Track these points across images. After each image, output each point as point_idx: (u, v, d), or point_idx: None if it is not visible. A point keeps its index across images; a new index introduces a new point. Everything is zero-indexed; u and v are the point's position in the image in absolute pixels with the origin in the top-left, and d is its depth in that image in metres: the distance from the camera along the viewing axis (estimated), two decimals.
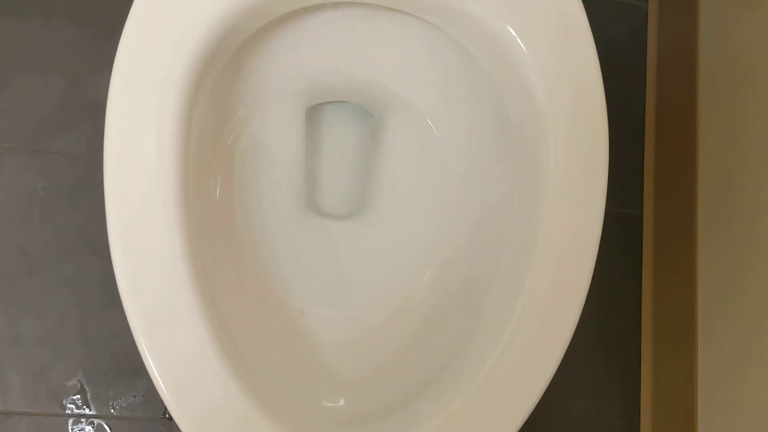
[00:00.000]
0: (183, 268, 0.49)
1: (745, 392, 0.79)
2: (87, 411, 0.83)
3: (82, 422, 0.83)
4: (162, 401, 0.73)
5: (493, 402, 0.51)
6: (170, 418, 0.84)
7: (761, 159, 0.80)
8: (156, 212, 0.50)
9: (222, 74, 0.58)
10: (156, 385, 0.49)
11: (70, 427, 0.82)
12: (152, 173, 0.50)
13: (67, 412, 0.83)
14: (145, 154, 0.50)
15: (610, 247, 0.98)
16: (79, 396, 0.83)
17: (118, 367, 0.84)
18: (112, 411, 0.83)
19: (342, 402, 0.56)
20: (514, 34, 0.52)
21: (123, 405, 0.84)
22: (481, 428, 0.50)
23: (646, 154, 1.02)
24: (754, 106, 0.82)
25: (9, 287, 0.83)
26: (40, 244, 0.84)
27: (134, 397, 0.84)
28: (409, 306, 0.63)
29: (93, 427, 0.83)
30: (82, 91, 0.86)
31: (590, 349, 0.97)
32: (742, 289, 0.81)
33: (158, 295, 0.49)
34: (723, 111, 0.88)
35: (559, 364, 0.54)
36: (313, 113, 0.71)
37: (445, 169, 0.67)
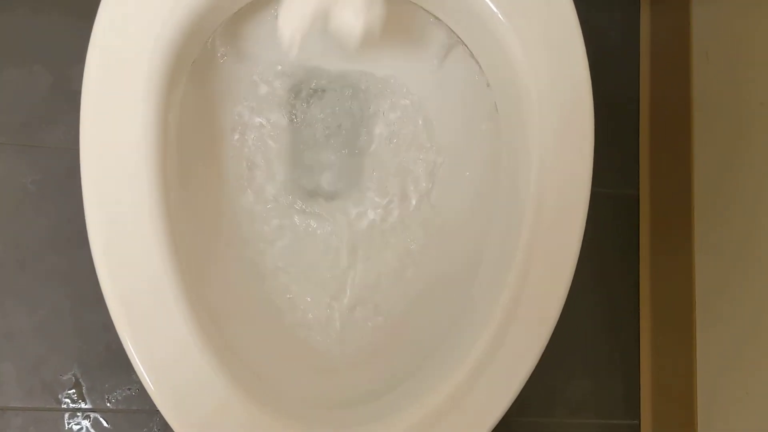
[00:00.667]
0: (165, 255, 0.49)
1: (743, 369, 0.78)
2: (83, 405, 0.83)
3: (78, 416, 0.82)
4: None
5: (479, 391, 0.50)
6: None
7: (756, 135, 0.79)
8: (137, 205, 0.49)
9: (202, 60, 0.57)
10: (134, 364, 0.48)
11: (66, 422, 0.82)
12: (131, 165, 0.49)
13: (62, 406, 0.82)
14: (122, 146, 0.50)
15: (608, 229, 0.98)
16: (74, 390, 0.83)
17: (113, 359, 0.83)
18: (108, 404, 0.83)
19: (329, 386, 0.56)
20: (495, 10, 0.52)
21: (118, 398, 0.83)
22: (465, 416, 0.50)
23: (641, 134, 1.01)
24: (749, 80, 0.81)
25: (2, 280, 0.83)
26: (32, 237, 0.84)
27: (129, 390, 0.84)
28: (398, 289, 0.62)
29: (89, 421, 0.83)
30: (69, 82, 0.86)
31: (590, 330, 0.96)
32: (739, 267, 0.80)
33: (140, 284, 0.49)
34: (717, 86, 0.87)
35: (541, 353, 0.53)
36: (301, 99, 0.70)
37: (434, 151, 0.66)
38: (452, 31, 0.58)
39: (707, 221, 0.86)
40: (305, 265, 0.63)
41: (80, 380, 0.83)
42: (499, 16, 0.52)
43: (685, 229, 0.89)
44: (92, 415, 0.83)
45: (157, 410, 0.81)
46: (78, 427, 0.82)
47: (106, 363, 0.83)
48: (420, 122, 0.66)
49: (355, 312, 0.61)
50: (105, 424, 0.83)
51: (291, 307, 0.61)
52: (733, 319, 0.80)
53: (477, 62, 0.58)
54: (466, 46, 0.58)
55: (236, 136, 0.65)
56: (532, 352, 0.51)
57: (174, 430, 0.50)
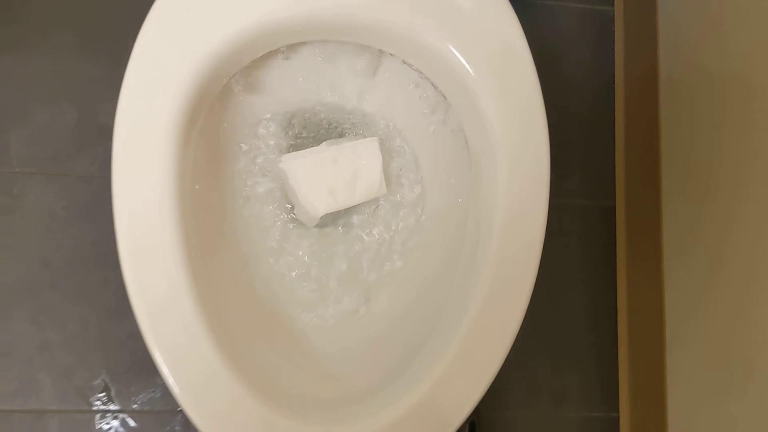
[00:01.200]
0: (182, 270, 0.58)
1: (703, 350, 0.86)
2: (112, 407, 0.92)
3: (107, 417, 0.92)
4: None
5: (460, 376, 0.59)
6: None
7: (713, 149, 0.87)
8: (158, 226, 0.58)
9: (218, 99, 0.66)
10: (157, 365, 0.57)
11: (96, 422, 0.91)
12: (152, 200, 0.58)
13: (93, 408, 0.91)
14: (148, 176, 0.58)
15: (589, 237, 1.07)
16: (104, 393, 0.92)
17: (138, 365, 0.92)
18: (134, 406, 0.92)
19: (324, 386, 0.64)
20: (460, 57, 0.61)
21: (144, 400, 0.92)
22: (450, 397, 0.58)
23: (617, 152, 1.09)
24: (703, 100, 0.90)
25: (35, 298, 0.92)
26: (61, 257, 0.93)
27: (153, 392, 0.92)
28: (387, 296, 0.71)
29: (118, 421, 0.92)
30: (94, 117, 0.95)
31: (573, 330, 1.04)
32: (704, 271, 0.88)
33: (160, 294, 0.57)
34: (679, 104, 0.95)
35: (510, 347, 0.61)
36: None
37: (416, 179, 0.75)
38: (430, 79, 0.67)
39: (675, 229, 0.94)
40: (303, 277, 0.71)
41: (109, 385, 0.92)
42: (467, 68, 0.61)
43: (655, 236, 0.98)
44: (120, 415, 0.92)
45: (178, 410, 0.91)
46: (108, 426, 0.91)
47: (132, 369, 0.92)
48: (406, 156, 0.75)
49: (349, 316, 0.70)
50: (132, 423, 0.92)
51: (291, 314, 0.70)
52: (698, 315, 0.89)
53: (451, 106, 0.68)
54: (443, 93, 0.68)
55: (243, 160, 0.74)
56: (500, 348, 0.59)
57: (194, 424, 0.58)
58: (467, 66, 0.60)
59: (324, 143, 0.72)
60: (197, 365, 0.57)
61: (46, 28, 0.96)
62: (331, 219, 0.76)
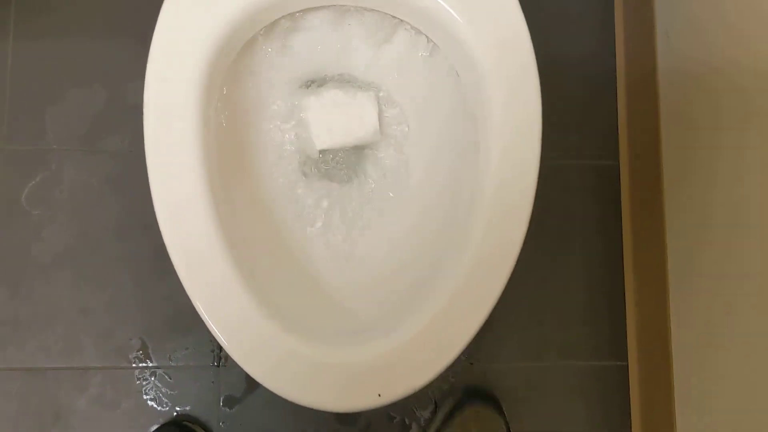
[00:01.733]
0: (211, 221, 0.64)
1: (701, 292, 0.91)
2: (149, 363, 0.99)
3: (146, 372, 0.99)
4: (209, 352, 0.90)
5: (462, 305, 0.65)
6: (217, 366, 1.00)
7: (711, 109, 0.92)
8: (190, 185, 0.64)
9: (232, 69, 0.73)
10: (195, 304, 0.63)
11: (136, 377, 0.99)
12: (181, 154, 0.64)
13: (132, 365, 0.99)
14: (175, 139, 0.64)
15: (594, 195, 1.11)
16: (141, 351, 0.99)
17: (172, 324, 1.00)
18: (170, 362, 0.99)
19: (343, 318, 0.71)
20: (449, 9, 0.67)
21: (178, 356, 0.99)
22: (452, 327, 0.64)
23: (619, 111, 1.14)
24: (703, 55, 0.94)
25: (76, 266, 0.99)
26: (98, 227, 1.00)
27: (186, 349, 1.00)
28: (396, 238, 0.77)
29: (155, 377, 0.99)
30: (123, 97, 1.02)
31: (581, 284, 1.09)
32: (704, 223, 0.92)
33: (194, 244, 0.64)
34: (677, 61, 1.00)
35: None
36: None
37: (420, 136, 0.81)
38: (425, 35, 0.73)
39: (675, 186, 0.99)
40: (319, 224, 0.78)
41: (146, 343, 0.99)
42: (458, 18, 0.67)
43: (657, 193, 1.02)
44: (157, 371, 0.99)
45: (210, 365, 0.98)
46: (146, 382, 0.99)
47: (167, 328, 0.99)
48: (408, 115, 0.81)
49: (360, 256, 0.76)
50: (168, 378, 0.99)
51: (311, 256, 0.76)
52: (700, 269, 0.93)
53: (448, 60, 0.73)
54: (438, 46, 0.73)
55: (261, 124, 0.80)
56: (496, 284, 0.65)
57: (233, 358, 0.65)
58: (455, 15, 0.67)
59: (328, 86, 0.78)
60: (233, 310, 0.63)
61: (77, 14, 1.03)
62: (345, 172, 0.82)
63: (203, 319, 0.63)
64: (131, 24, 1.03)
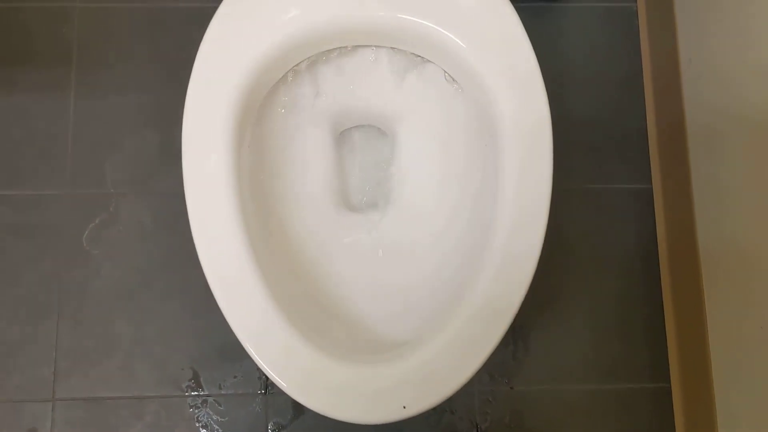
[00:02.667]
0: (246, 257, 0.70)
1: (751, 322, 0.91)
2: (201, 392, 1.04)
3: (197, 400, 1.04)
4: (256, 380, 0.94)
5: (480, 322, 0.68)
6: (265, 394, 1.04)
7: (736, 123, 0.93)
8: (225, 224, 0.70)
9: (260, 113, 0.79)
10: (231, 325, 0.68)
11: (188, 405, 1.04)
12: (216, 190, 0.71)
13: (185, 393, 1.04)
14: (210, 178, 0.71)
15: (628, 219, 1.13)
16: (193, 380, 1.05)
17: (221, 353, 1.05)
18: (220, 390, 1.04)
19: (367, 336, 0.75)
20: (464, 45, 0.71)
21: (228, 384, 1.05)
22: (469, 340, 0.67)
23: (649, 133, 1.16)
24: (724, 81, 0.96)
25: (132, 299, 1.06)
26: (152, 264, 1.07)
27: (235, 377, 1.05)
28: (422, 266, 0.81)
29: (206, 405, 1.04)
30: (172, 141, 1.10)
31: (619, 308, 1.10)
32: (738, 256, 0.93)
33: (232, 276, 0.69)
34: (700, 85, 1.02)
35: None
36: (342, 135, 0.91)
37: (447, 162, 0.85)
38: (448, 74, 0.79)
39: (706, 207, 1.00)
40: (351, 253, 0.83)
41: (197, 372, 1.05)
42: (473, 60, 0.72)
43: (689, 215, 1.03)
44: (208, 399, 1.04)
45: (258, 392, 1.02)
46: (198, 409, 1.04)
47: (217, 357, 1.05)
48: (435, 143, 0.86)
49: (389, 283, 0.81)
50: (218, 406, 1.04)
51: (336, 282, 0.81)
52: (735, 286, 0.94)
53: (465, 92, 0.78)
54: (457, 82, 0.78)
55: (290, 163, 0.86)
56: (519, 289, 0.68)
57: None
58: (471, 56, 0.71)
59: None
60: (274, 340, 0.68)
61: (131, 70, 1.13)
62: (374, 209, 0.88)
63: (249, 353, 0.68)
64: (178, 75, 1.11)
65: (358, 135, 0.93)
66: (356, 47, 0.83)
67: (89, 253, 1.07)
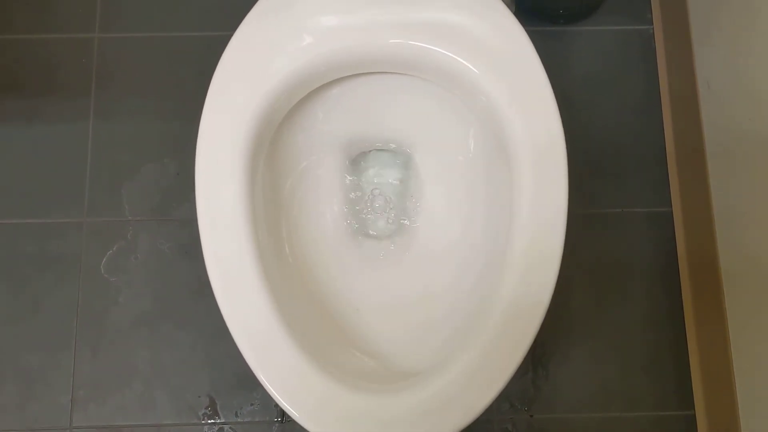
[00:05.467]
0: (260, 284, 0.69)
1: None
2: (217, 420, 1.04)
3: (214, 428, 1.04)
4: (273, 407, 0.93)
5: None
6: (281, 422, 1.03)
7: (758, 145, 0.92)
8: (238, 254, 0.70)
9: (274, 141, 0.79)
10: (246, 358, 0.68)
11: None
12: (229, 220, 0.71)
13: (202, 421, 1.04)
14: (224, 208, 0.71)
15: (647, 243, 1.11)
16: (210, 408, 1.04)
17: (238, 382, 1.05)
18: (237, 418, 1.04)
19: (379, 369, 0.75)
20: (477, 72, 0.71)
21: (244, 412, 1.04)
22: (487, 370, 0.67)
23: (668, 156, 1.15)
24: (742, 103, 0.95)
25: (150, 327, 1.06)
26: (169, 291, 1.08)
27: (252, 405, 1.04)
28: (438, 290, 0.80)
29: None
30: (190, 168, 1.10)
31: (641, 334, 1.08)
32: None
33: (246, 309, 0.69)
34: (718, 109, 1.01)
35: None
36: (356, 159, 0.91)
37: (464, 184, 0.85)
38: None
39: (727, 222, 0.98)
40: (366, 284, 0.82)
41: (214, 400, 1.04)
42: (484, 86, 0.71)
43: (710, 237, 1.02)
44: (225, 427, 1.04)
45: (274, 420, 1.02)
46: None
47: (233, 385, 1.05)
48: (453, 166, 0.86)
49: (404, 311, 0.80)
50: None
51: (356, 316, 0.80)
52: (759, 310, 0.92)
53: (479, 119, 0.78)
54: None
55: (304, 191, 0.86)
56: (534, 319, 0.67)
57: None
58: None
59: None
60: (288, 369, 0.68)
61: (148, 98, 1.14)
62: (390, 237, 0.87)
63: (263, 385, 0.68)
64: (196, 103, 1.12)
65: (372, 157, 0.93)
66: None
67: (107, 281, 1.08)
